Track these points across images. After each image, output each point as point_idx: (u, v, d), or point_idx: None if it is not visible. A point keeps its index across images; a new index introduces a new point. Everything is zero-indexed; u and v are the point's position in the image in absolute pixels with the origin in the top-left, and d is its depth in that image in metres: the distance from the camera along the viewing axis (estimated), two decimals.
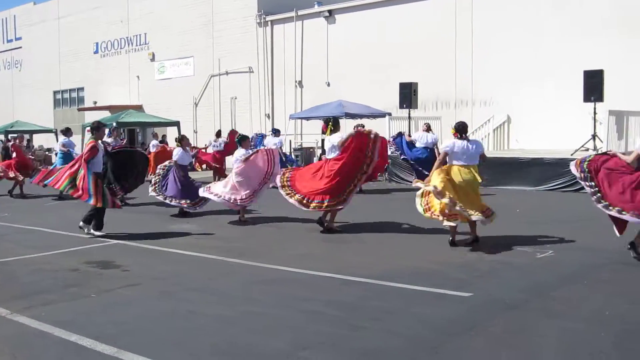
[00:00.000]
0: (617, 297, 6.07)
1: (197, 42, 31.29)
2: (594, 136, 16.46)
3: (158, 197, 12.23)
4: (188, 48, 31.79)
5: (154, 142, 22.20)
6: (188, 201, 12.09)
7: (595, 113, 16.57)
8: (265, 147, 13.68)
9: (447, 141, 8.96)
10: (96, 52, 36.62)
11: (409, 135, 17.14)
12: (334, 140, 10.04)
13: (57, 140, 17.15)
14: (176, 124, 26.94)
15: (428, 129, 16.29)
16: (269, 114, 29.37)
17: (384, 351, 4.74)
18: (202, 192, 11.62)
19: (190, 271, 7.66)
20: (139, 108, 32.34)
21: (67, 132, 16.59)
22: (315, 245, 9.30)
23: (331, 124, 10.33)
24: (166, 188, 12.25)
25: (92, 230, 10.02)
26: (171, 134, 28.02)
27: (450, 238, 8.63)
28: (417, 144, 16.15)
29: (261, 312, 5.80)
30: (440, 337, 5.02)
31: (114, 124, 22.44)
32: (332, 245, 9.26)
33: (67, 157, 15.22)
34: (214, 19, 30.56)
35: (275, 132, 19.25)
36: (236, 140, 12.35)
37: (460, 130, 8.74)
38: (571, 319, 5.42)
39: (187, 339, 5.09)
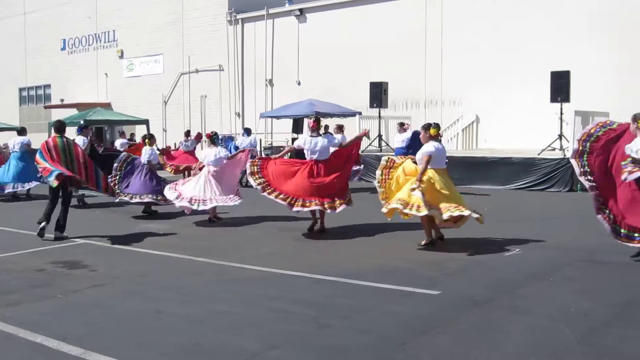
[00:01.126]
0: (582, 295, 6.17)
1: (167, 40, 31.06)
2: (560, 136, 16.70)
3: (123, 199, 12.06)
4: (157, 45, 31.54)
5: (122, 141, 21.89)
6: (156, 197, 12.01)
7: (561, 113, 16.81)
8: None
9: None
10: (63, 48, 36.13)
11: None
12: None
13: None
14: (145, 122, 26.69)
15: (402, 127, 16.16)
16: (239, 113, 29.26)
17: (352, 349, 4.75)
18: (167, 192, 11.39)
19: (157, 271, 7.60)
20: (107, 106, 31.98)
21: (22, 132, 16.25)
22: (285, 244, 9.28)
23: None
24: (128, 186, 12.12)
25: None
26: (140, 132, 27.76)
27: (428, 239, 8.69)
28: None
29: (229, 311, 5.78)
30: (408, 334, 5.05)
31: (82, 122, 22.12)
32: (301, 244, 9.26)
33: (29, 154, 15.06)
34: (184, 16, 30.37)
35: (247, 132, 19.11)
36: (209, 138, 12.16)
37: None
38: (537, 315, 5.49)
39: (155, 339, 5.05)
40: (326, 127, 17.77)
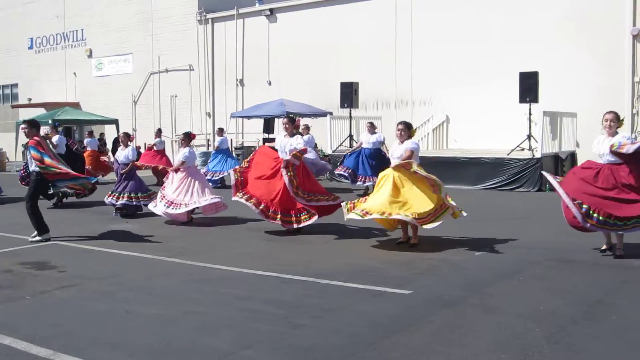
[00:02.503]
0: (550, 293, 6.25)
1: (136, 39, 30.79)
2: (529, 136, 16.89)
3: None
4: (127, 45, 31.25)
5: (90, 139, 21.61)
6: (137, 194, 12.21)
7: (530, 114, 17.01)
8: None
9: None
10: (31, 47, 35.61)
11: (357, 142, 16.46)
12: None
13: None
14: (115, 122, 26.45)
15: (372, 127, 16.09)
16: (209, 113, 29.12)
17: (323, 348, 4.76)
18: (154, 208, 11.20)
19: (128, 271, 7.53)
20: (75, 105, 31.61)
21: None
22: (256, 244, 9.26)
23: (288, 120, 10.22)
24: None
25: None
26: (109, 132, 27.50)
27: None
28: (365, 145, 15.70)
29: (201, 311, 5.75)
30: (379, 333, 5.07)
31: (49, 122, 21.83)
32: (272, 245, 9.24)
33: None
34: (154, 15, 30.14)
35: (220, 132, 19.06)
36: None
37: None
38: (506, 314, 5.55)
39: (125, 340, 5.00)
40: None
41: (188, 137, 11.49)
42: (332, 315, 5.60)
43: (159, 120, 29.41)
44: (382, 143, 15.34)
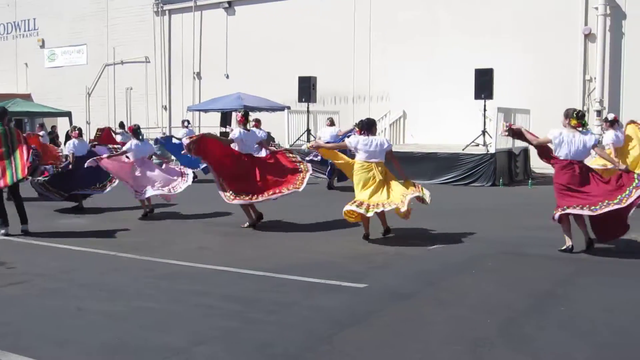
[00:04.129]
0: (501, 286, 6.37)
1: (91, 30, 30.21)
2: (483, 132, 17.13)
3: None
4: (81, 35, 30.63)
5: (42, 132, 21.16)
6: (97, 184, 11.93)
7: (485, 110, 17.24)
8: None
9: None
10: None
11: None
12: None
13: None
14: (68, 114, 25.93)
15: (331, 123, 16.31)
16: (166, 106, 28.78)
17: (279, 343, 4.75)
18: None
19: (79, 267, 7.40)
20: (27, 97, 30.89)
21: None
22: (212, 239, 9.20)
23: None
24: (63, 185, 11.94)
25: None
26: (62, 125, 26.95)
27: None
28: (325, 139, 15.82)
29: (154, 307, 5.69)
30: (335, 327, 5.09)
31: None
32: (228, 239, 9.20)
33: None
34: (109, 6, 29.61)
35: (186, 124, 18.98)
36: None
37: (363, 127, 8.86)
38: (459, 307, 5.63)
39: (76, 337, 4.92)
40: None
41: (131, 132, 11.43)
42: (288, 310, 5.60)
43: (113, 113, 28.95)
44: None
